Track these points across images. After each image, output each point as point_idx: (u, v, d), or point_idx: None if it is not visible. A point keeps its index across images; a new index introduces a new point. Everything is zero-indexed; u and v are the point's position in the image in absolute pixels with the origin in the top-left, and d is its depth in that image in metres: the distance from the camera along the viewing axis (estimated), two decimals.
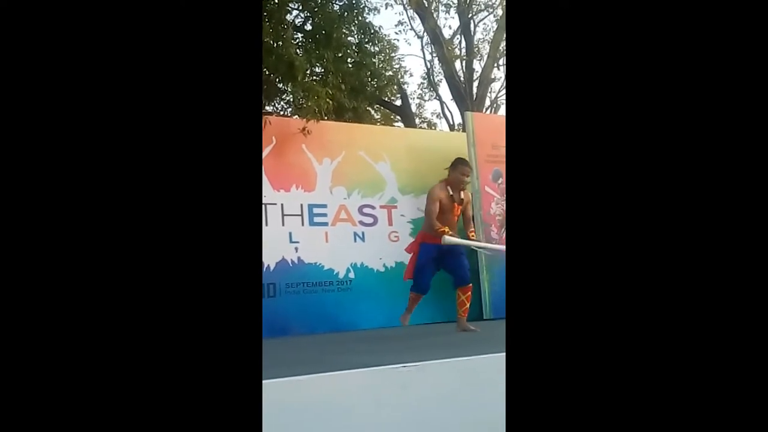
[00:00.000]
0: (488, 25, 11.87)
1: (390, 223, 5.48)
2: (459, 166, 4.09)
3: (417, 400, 1.76)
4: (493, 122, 6.13)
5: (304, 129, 5.07)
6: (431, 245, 3.99)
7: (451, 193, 4.07)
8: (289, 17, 5.94)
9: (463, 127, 6.31)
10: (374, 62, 6.69)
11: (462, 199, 4.14)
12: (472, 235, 4.24)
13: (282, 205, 5.11)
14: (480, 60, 11.55)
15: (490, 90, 11.65)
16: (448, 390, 1.92)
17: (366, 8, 6.80)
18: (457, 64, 11.30)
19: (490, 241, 5.43)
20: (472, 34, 11.61)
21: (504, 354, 0.91)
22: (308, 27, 6.22)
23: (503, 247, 4.14)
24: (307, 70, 5.34)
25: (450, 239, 3.90)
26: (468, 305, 4.10)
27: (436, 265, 4.05)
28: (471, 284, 4.12)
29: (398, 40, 13.91)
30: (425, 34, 11.46)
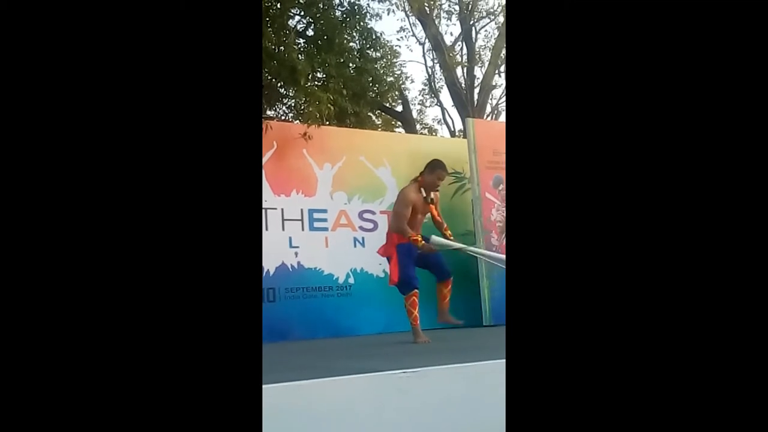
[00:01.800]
0: (489, 32, 11.90)
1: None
2: (436, 170, 3.98)
3: (417, 407, 1.75)
4: (493, 129, 6.13)
5: (305, 134, 5.07)
6: (408, 245, 3.94)
7: (424, 195, 4.03)
8: (291, 23, 5.96)
9: (464, 133, 6.31)
10: (376, 68, 6.69)
11: (433, 200, 4.10)
12: (448, 232, 4.17)
13: (282, 209, 5.11)
14: (481, 67, 11.57)
15: (491, 96, 11.66)
16: (448, 396, 1.91)
17: (368, 14, 6.80)
18: (459, 71, 11.32)
19: (490, 247, 5.43)
20: (474, 40, 11.63)
21: (504, 360, 0.91)
22: (310, 32, 6.23)
23: (490, 253, 4.06)
24: (308, 75, 5.35)
25: (438, 240, 3.85)
26: (449, 297, 4.04)
27: (415, 262, 3.98)
28: (452, 277, 4.04)
29: (400, 47, 13.95)
30: (427, 40, 11.48)
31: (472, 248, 3.97)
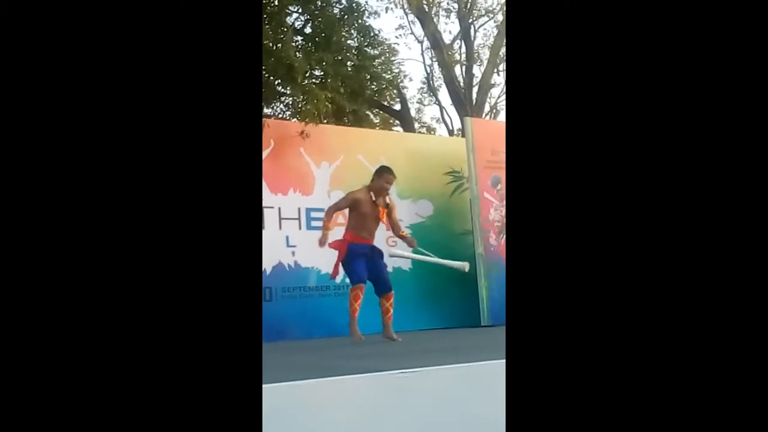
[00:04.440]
0: (488, 30, 11.91)
1: (387, 228, 5.47)
2: (384, 174, 4.18)
3: (415, 406, 1.75)
4: (492, 128, 6.15)
5: (302, 132, 5.06)
6: (359, 244, 4.05)
7: (374, 198, 4.14)
8: (289, 20, 5.94)
9: (463, 132, 6.32)
10: (374, 66, 6.68)
11: (388, 204, 4.22)
12: (404, 234, 4.32)
13: (279, 208, 5.11)
14: (480, 65, 11.58)
15: (489, 95, 11.68)
16: (445, 396, 1.91)
17: (366, 12, 6.78)
18: (457, 69, 11.32)
19: (488, 247, 5.44)
20: (472, 39, 11.64)
21: (503, 361, 0.91)
22: (308, 30, 6.22)
23: (451, 262, 4.17)
24: (306, 72, 5.34)
25: (396, 252, 4.05)
26: (392, 312, 4.12)
27: (365, 261, 4.08)
28: (393, 291, 4.12)
29: (398, 44, 13.95)
30: (425, 38, 11.49)
31: (420, 256, 4.18)
